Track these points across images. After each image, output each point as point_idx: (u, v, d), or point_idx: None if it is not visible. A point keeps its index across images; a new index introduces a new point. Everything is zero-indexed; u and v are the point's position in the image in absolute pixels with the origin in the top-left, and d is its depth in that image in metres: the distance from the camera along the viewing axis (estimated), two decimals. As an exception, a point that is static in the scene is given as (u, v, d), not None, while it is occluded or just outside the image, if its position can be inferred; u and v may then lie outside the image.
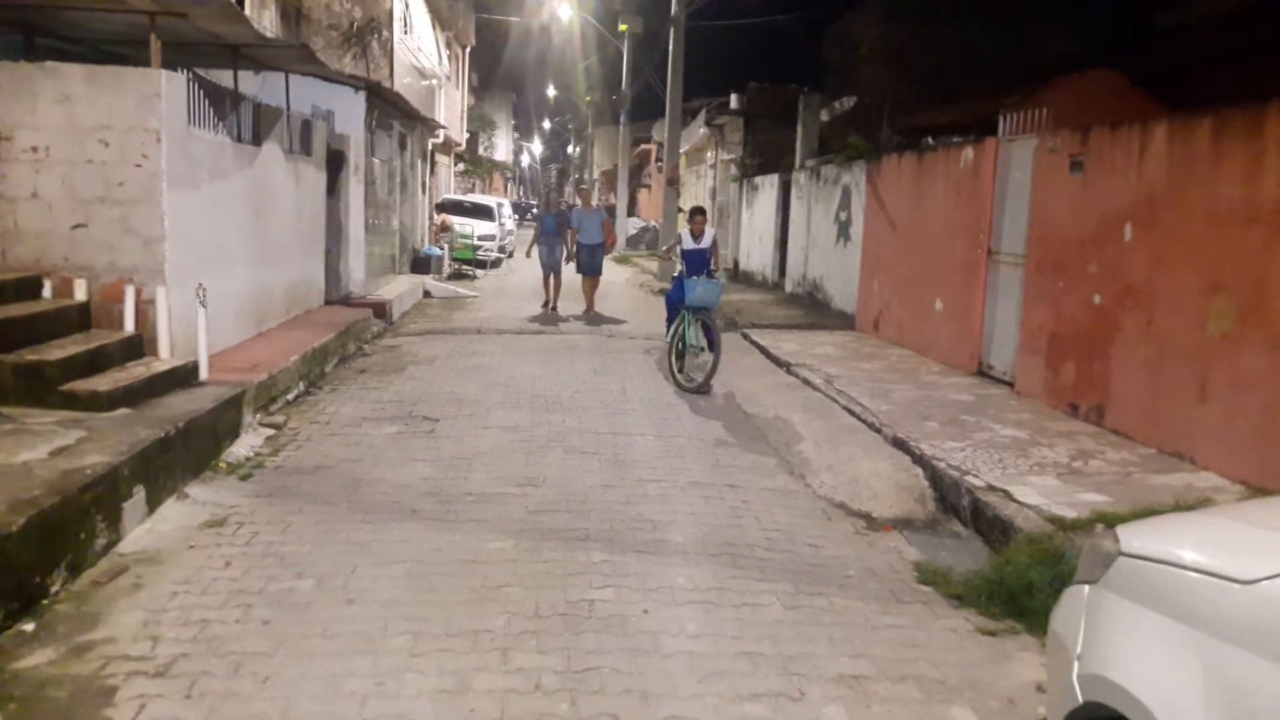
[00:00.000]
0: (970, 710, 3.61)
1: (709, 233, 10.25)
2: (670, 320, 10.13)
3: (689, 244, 10.11)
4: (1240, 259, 6.14)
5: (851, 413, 8.19)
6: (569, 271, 15.60)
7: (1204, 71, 10.52)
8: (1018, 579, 4.52)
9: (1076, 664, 2.37)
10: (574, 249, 15.36)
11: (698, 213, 10.47)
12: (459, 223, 22.74)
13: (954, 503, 5.96)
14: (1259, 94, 6.07)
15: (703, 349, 9.51)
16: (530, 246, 15.98)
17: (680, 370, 9.63)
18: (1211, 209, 6.43)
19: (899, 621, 4.37)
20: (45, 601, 4.14)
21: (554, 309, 15.38)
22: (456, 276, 20.66)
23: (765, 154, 21.84)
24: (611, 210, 26.60)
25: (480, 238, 23.26)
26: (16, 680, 3.51)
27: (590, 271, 15.42)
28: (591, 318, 14.89)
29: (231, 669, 3.66)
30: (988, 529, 5.48)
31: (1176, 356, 6.68)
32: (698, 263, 10.01)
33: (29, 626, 3.92)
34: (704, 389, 9.18)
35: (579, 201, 17.79)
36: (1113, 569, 2.41)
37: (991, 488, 5.80)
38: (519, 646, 3.93)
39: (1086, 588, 2.52)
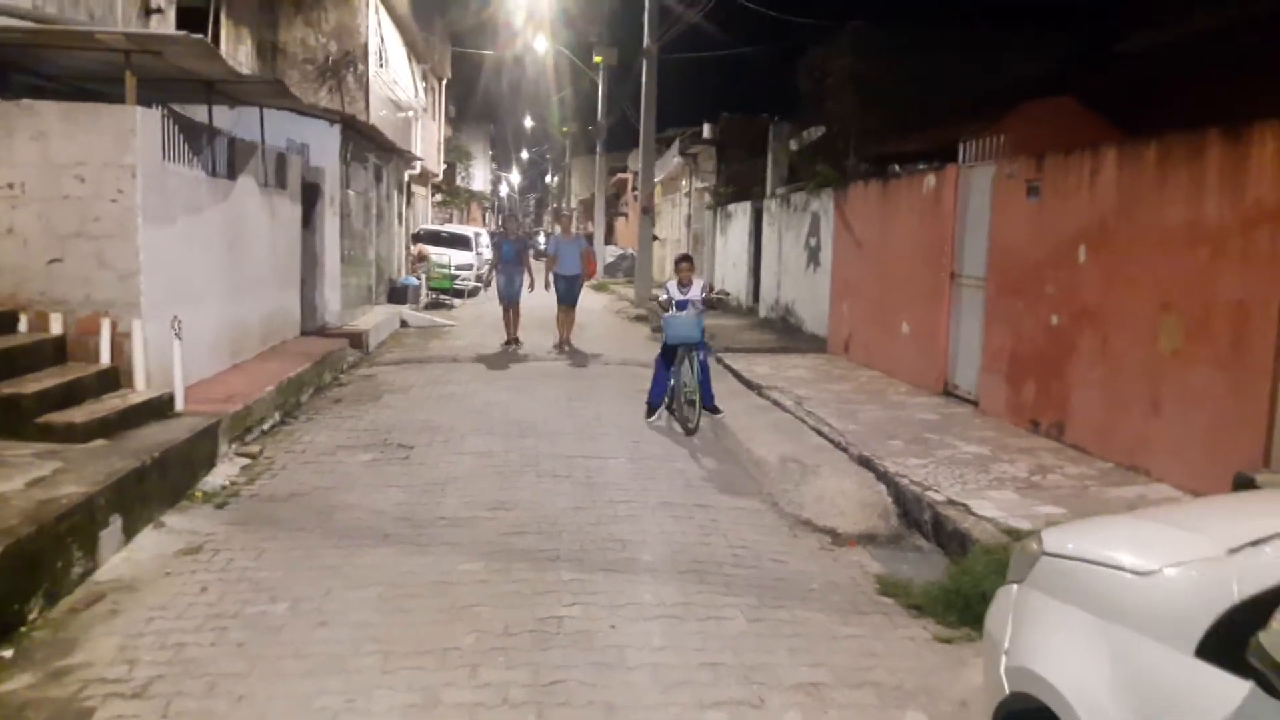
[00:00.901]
0: (924, 714, 3.74)
1: (698, 283, 9.28)
2: (664, 365, 9.20)
3: (676, 294, 9.11)
4: (1187, 279, 6.38)
5: (820, 433, 8.37)
6: (539, 302, 14.95)
7: (1165, 97, 10.85)
8: (973, 588, 4.67)
9: (1004, 658, 2.52)
10: (548, 278, 14.56)
11: (684, 260, 9.52)
12: (436, 253, 22.89)
13: (916, 517, 6.13)
14: (1215, 119, 6.31)
15: (693, 390, 8.85)
16: (488, 276, 15.10)
17: (675, 410, 9.09)
18: (1159, 231, 6.67)
19: (859, 631, 4.51)
20: (23, 629, 4.21)
21: (516, 342, 14.53)
22: (433, 306, 20.79)
23: (738, 182, 22.17)
24: (590, 239, 26.80)
25: (457, 267, 23.42)
26: (-5, 704, 3.59)
27: (568, 302, 14.56)
28: (568, 350, 14.29)
29: (207, 689, 3.75)
30: (948, 542, 5.65)
31: (1130, 374, 6.89)
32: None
33: (7, 653, 3.99)
34: (691, 431, 8.67)
35: (558, 229, 17.46)
36: (1036, 568, 2.57)
37: (952, 502, 5.97)
38: (488, 662, 4.04)
39: (1015, 587, 2.68)
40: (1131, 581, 2.16)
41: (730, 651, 4.21)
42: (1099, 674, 2.13)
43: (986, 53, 15.33)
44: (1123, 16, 13.12)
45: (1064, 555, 2.47)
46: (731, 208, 21.62)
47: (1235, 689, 1.78)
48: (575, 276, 14.57)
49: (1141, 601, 2.10)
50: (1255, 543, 1.97)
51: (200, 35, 8.16)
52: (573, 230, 16.92)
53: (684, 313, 9.02)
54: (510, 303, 14.58)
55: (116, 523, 5.23)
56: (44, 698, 3.65)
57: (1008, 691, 2.47)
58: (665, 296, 9.27)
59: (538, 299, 14.89)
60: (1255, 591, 1.80)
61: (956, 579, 4.85)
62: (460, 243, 24.95)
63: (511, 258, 14.59)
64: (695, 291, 9.17)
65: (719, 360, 12.81)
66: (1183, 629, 1.94)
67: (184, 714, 3.57)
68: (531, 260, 15.34)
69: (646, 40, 21.32)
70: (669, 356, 9.12)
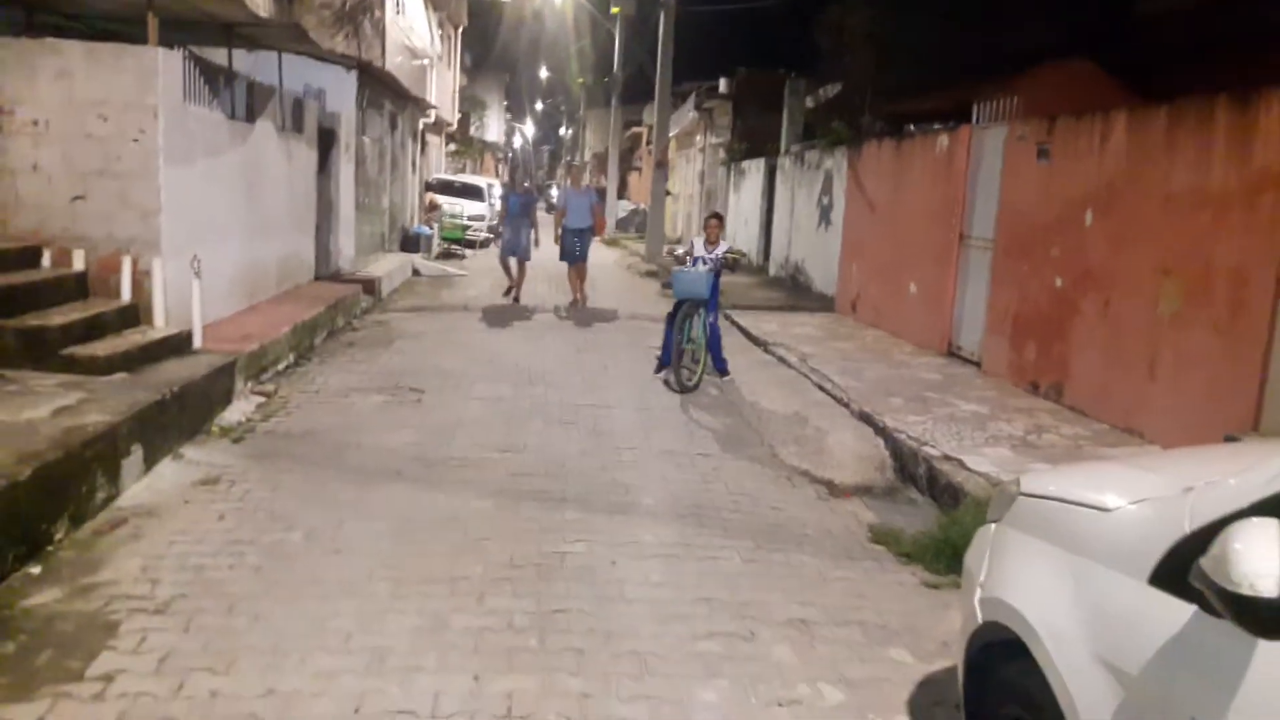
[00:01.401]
0: (907, 651, 3.93)
1: (724, 244, 9.11)
2: (673, 323, 8.93)
3: (700, 252, 8.98)
4: (1188, 243, 6.46)
5: (822, 389, 8.51)
6: (552, 255, 14.75)
7: (1182, 61, 10.81)
8: (963, 538, 4.79)
9: (979, 590, 2.69)
10: (557, 232, 14.28)
11: (714, 218, 9.30)
12: (448, 202, 22.96)
13: (912, 471, 6.29)
14: (1231, 83, 6.34)
15: (698, 348, 8.78)
16: (500, 228, 14.72)
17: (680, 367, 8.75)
18: (1164, 196, 6.74)
19: (849, 575, 4.69)
20: (50, 548, 4.42)
21: (516, 298, 14.18)
22: (445, 256, 20.90)
23: (752, 138, 22.11)
24: (602, 193, 26.68)
25: (470, 218, 23.51)
26: (26, 616, 3.79)
27: (577, 258, 14.05)
28: (581, 305, 14.00)
29: (226, 608, 3.95)
30: (941, 495, 5.81)
31: (1129, 337, 7.00)
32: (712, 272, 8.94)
33: (35, 569, 4.20)
34: (689, 388, 8.57)
35: (569, 181, 17.35)
36: (1013, 507, 2.73)
37: (947, 457, 6.12)
38: (494, 592, 4.24)
39: (993, 525, 2.84)
40: (1096, 517, 2.31)
41: (725, 589, 4.40)
42: (1062, 601, 2.29)
43: (1005, 12, 15.20)
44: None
45: (1039, 495, 2.63)
46: (745, 164, 21.58)
47: (1182, 612, 1.93)
48: (585, 229, 14.12)
49: (1104, 535, 2.26)
50: (1209, 483, 2.11)
51: (220, -23, 8.22)
52: (583, 182, 16.62)
53: (694, 268, 8.89)
54: (513, 257, 14.29)
55: (138, 452, 5.43)
56: (71, 610, 3.85)
57: (980, 620, 2.63)
58: (682, 251, 9.28)
59: (550, 251, 14.70)
60: (1202, 524, 1.95)
61: (947, 529, 5.01)
62: (473, 193, 25.01)
63: (517, 211, 14.29)
64: (720, 252, 9.00)
65: (727, 317, 12.89)
66: (1138, 559, 2.09)
67: (205, 629, 3.77)
68: (540, 215, 15.09)
69: (664, -8, 21.17)
70: (678, 314, 8.92)
